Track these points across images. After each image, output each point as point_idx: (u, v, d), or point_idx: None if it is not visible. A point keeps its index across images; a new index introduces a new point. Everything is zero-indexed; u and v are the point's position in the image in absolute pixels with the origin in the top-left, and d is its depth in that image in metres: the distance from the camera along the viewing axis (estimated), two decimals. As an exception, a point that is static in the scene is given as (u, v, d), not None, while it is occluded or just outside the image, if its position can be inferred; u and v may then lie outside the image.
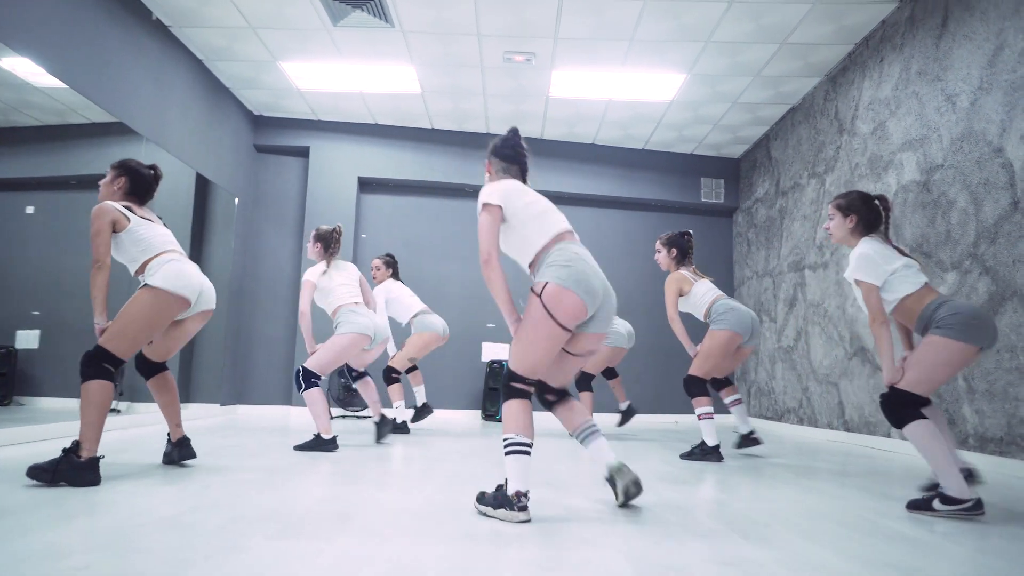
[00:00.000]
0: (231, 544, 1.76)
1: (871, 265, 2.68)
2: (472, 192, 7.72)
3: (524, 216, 2.38)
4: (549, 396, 2.46)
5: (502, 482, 2.25)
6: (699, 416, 4.00)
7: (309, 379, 3.87)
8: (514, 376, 2.29)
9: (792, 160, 6.59)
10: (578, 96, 6.51)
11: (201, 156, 5.97)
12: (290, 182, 7.37)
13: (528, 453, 2.19)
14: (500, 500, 2.16)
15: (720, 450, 3.95)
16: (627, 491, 2.35)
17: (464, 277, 7.56)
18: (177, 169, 5.63)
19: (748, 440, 4.30)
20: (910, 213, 4.65)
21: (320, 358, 3.92)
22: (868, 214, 2.83)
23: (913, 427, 2.49)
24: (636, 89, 6.28)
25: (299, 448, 3.81)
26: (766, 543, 1.97)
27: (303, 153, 7.34)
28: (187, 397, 6.05)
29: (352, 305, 4.11)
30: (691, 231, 4.47)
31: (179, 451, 3.08)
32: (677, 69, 5.87)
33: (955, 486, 2.41)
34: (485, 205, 2.38)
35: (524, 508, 2.11)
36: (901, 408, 2.53)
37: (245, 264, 7.05)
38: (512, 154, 2.56)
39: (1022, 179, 3.69)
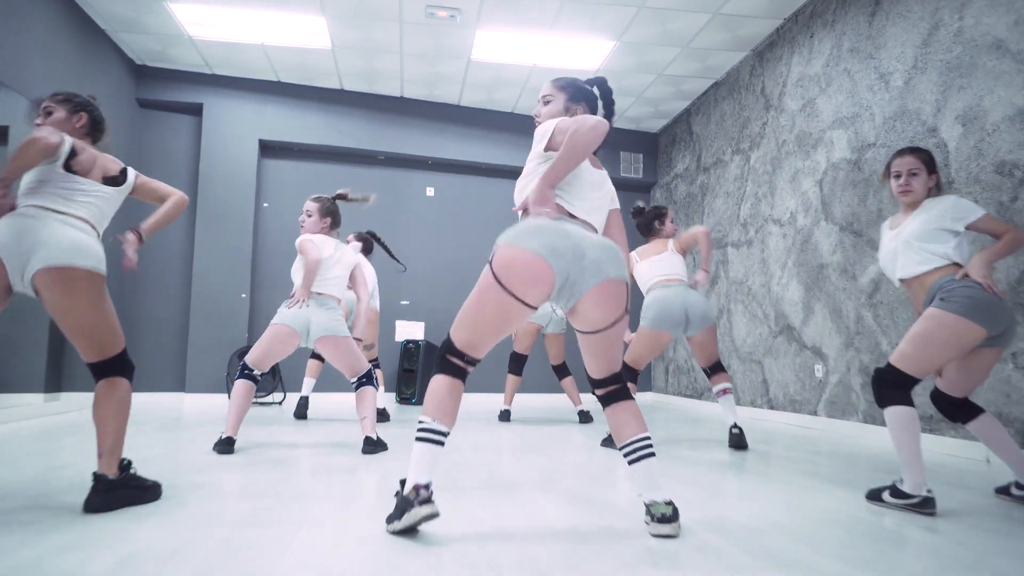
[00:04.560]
0: None
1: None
2: (384, 160, 7.22)
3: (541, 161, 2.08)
4: (597, 390, 2.09)
5: (399, 486, 1.94)
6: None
7: (241, 370, 3.40)
8: (450, 347, 1.96)
9: (715, 136, 6.55)
10: (501, 60, 6.15)
11: (71, 108, 5.15)
12: (180, 143, 6.58)
13: (441, 444, 1.86)
14: (401, 506, 1.84)
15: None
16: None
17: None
18: (41, 121, 4.83)
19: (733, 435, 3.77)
20: (840, 191, 4.65)
21: (253, 351, 3.44)
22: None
23: (894, 411, 2.33)
24: (562, 55, 5.99)
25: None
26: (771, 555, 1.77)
27: (195, 111, 6.56)
28: (58, 386, 5.30)
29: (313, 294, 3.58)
30: (650, 206, 4.14)
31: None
32: (607, 36, 5.62)
33: (911, 481, 2.30)
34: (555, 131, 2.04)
35: (427, 501, 1.80)
36: (889, 388, 2.36)
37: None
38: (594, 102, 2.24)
39: (956, 159, 3.71)
